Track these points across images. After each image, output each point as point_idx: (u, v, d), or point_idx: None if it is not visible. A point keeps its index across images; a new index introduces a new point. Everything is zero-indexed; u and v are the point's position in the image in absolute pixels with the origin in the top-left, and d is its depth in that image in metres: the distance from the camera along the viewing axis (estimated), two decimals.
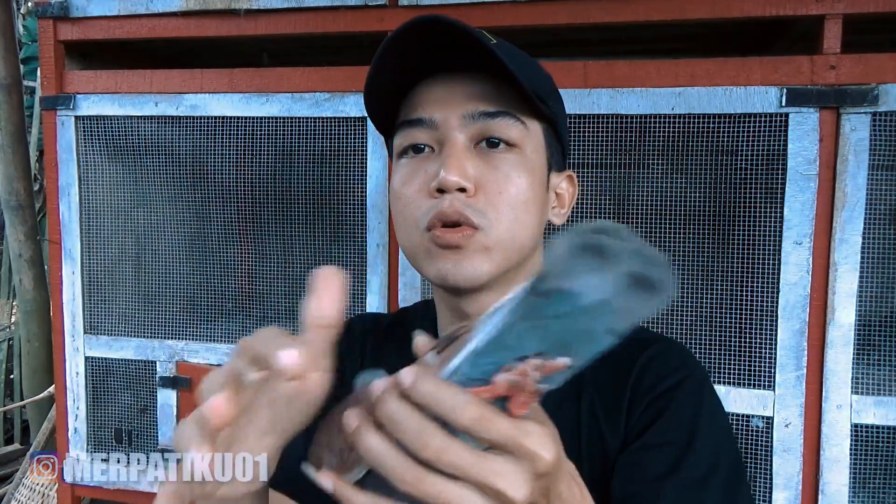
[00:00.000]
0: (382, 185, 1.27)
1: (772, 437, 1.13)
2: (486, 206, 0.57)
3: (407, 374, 0.33)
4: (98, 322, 1.47)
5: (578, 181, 0.71)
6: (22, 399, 2.60)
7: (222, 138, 1.35)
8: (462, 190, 0.57)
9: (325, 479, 0.36)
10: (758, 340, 1.14)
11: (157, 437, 1.42)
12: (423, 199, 0.59)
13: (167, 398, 1.40)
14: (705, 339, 1.17)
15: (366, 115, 1.22)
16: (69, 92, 1.40)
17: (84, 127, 1.41)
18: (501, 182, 0.58)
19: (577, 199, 0.72)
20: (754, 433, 1.15)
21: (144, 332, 1.44)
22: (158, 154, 1.44)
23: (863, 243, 1.08)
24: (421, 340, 0.37)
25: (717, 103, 1.12)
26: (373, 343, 0.73)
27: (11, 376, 3.20)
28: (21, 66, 2.30)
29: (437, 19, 0.54)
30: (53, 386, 1.60)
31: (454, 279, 0.58)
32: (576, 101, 1.16)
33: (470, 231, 0.57)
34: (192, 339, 1.41)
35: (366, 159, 1.27)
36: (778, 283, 1.11)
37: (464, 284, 0.59)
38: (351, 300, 1.34)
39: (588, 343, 0.31)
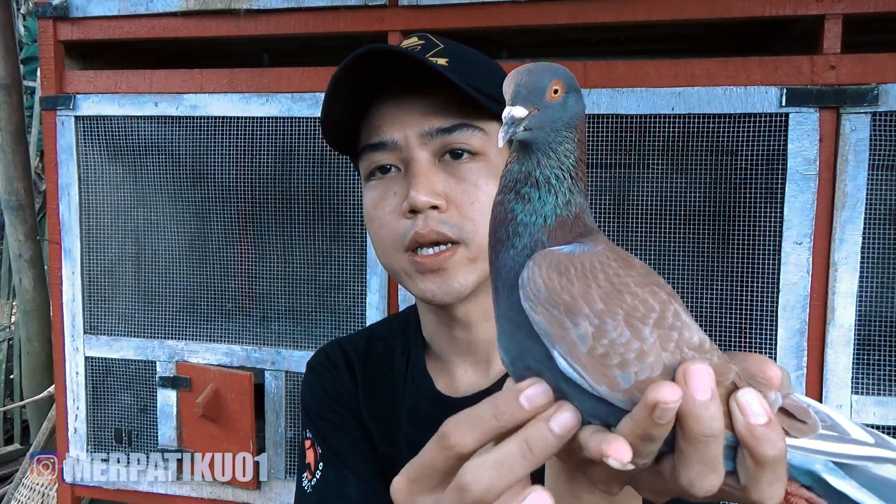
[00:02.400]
0: None
1: None
2: (460, 219, 0.58)
3: (761, 415, 0.31)
4: (98, 322, 1.47)
5: None
6: (22, 399, 2.60)
7: (222, 138, 1.35)
8: (434, 207, 0.58)
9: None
10: (758, 340, 1.14)
11: (157, 437, 1.42)
12: (397, 220, 0.60)
13: (167, 398, 1.40)
14: None
15: None
16: (69, 92, 1.40)
17: (84, 127, 1.41)
18: (471, 192, 0.59)
19: None
20: None
21: (144, 332, 1.44)
22: (158, 154, 1.44)
23: (863, 243, 1.08)
24: (776, 373, 0.33)
25: (717, 103, 1.12)
26: (358, 365, 0.74)
27: (11, 376, 3.19)
28: (21, 67, 2.30)
29: (383, 50, 0.56)
30: (53, 386, 1.60)
31: (440, 299, 0.60)
32: None
33: (449, 252, 0.58)
34: (192, 339, 1.41)
35: None
36: (778, 283, 1.11)
37: (451, 301, 0.60)
38: (351, 300, 1.34)
39: None
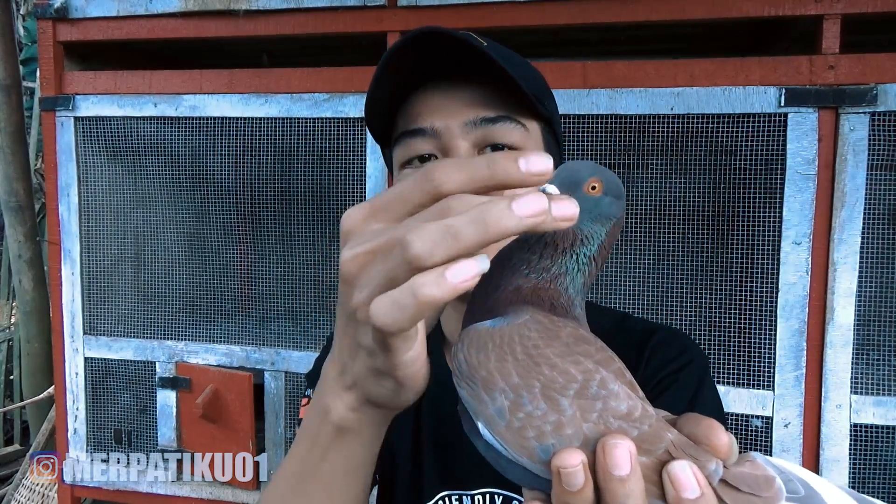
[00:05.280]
0: (381, 185, 1.27)
1: (771, 437, 1.13)
2: None
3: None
4: (97, 323, 1.47)
5: None
6: (22, 400, 2.60)
7: (222, 139, 1.35)
8: None
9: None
10: (757, 340, 1.14)
11: (157, 437, 1.42)
12: None
13: (167, 398, 1.40)
14: (705, 339, 1.17)
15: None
16: (68, 93, 1.40)
17: (83, 128, 1.41)
18: None
19: None
20: (754, 433, 1.15)
21: (144, 333, 1.44)
22: (158, 155, 1.44)
23: (862, 243, 1.08)
24: (724, 441, 0.31)
25: (716, 103, 1.12)
26: None
27: (11, 377, 3.20)
28: (21, 67, 2.30)
29: (442, 32, 0.54)
30: (53, 387, 1.60)
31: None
32: (575, 101, 1.16)
33: None
34: (192, 340, 1.41)
35: (365, 159, 1.28)
36: (777, 283, 1.11)
37: None
38: None
39: None
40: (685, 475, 0.29)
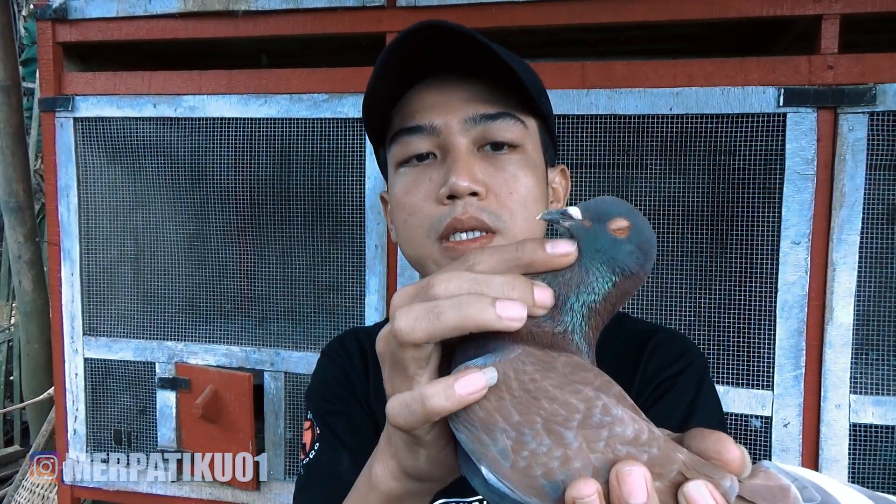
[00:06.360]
0: (381, 185, 1.27)
1: (770, 437, 1.13)
2: (498, 208, 0.57)
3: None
4: (97, 323, 1.47)
5: (571, 176, 0.72)
6: (22, 400, 2.60)
7: (221, 140, 1.35)
8: (474, 194, 0.56)
9: None
10: (756, 340, 1.14)
11: (157, 438, 1.42)
12: (431, 206, 0.58)
13: (166, 399, 1.40)
14: (704, 339, 1.17)
15: None
16: (68, 93, 1.40)
17: (83, 128, 1.41)
18: (510, 182, 0.58)
19: (576, 199, 0.72)
20: (753, 433, 1.15)
21: (143, 334, 1.44)
22: (157, 155, 1.44)
23: (861, 243, 1.08)
24: (735, 454, 0.31)
25: (715, 103, 1.12)
26: (372, 358, 0.72)
27: (11, 378, 3.20)
28: (21, 68, 2.30)
29: (444, 25, 0.54)
30: (53, 387, 1.60)
31: None
32: (574, 101, 1.16)
33: (486, 239, 0.57)
34: (192, 341, 1.41)
35: (364, 160, 1.28)
36: (776, 282, 1.11)
37: None
38: (350, 301, 1.34)
39: None
40: (701, 496, 0.28)
